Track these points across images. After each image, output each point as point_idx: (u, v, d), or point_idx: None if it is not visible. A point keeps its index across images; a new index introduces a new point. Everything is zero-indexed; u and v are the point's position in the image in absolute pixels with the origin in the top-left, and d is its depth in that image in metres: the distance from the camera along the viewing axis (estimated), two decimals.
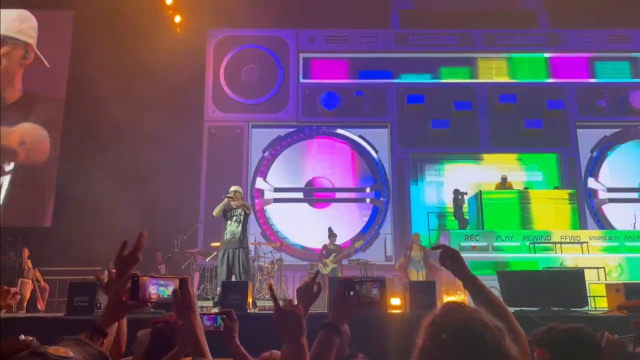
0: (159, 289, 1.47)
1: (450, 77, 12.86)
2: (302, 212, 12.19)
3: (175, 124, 10.91)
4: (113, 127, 10.68)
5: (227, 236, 7.44)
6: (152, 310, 5.07)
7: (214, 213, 7.60)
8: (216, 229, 10.88)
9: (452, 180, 12.17)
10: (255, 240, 10.68)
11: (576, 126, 12.56)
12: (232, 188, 7.72)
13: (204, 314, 1.80)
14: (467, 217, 10.63)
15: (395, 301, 6.37)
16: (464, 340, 1.00)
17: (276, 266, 9.30)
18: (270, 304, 7.87)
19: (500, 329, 1.03)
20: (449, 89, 12.69)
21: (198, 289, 8.80)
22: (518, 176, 12.06)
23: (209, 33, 12.93)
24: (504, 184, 10.53)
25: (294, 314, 1.44)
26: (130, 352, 2.35)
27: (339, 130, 12.64)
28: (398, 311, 6.00)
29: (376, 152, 12.56)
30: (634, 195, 12.15)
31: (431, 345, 1.03)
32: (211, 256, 9.58)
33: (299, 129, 12.62)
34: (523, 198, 9.71)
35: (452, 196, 11.10)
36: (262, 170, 12.37)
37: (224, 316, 1.84)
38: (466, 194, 10.92)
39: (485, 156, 12.49)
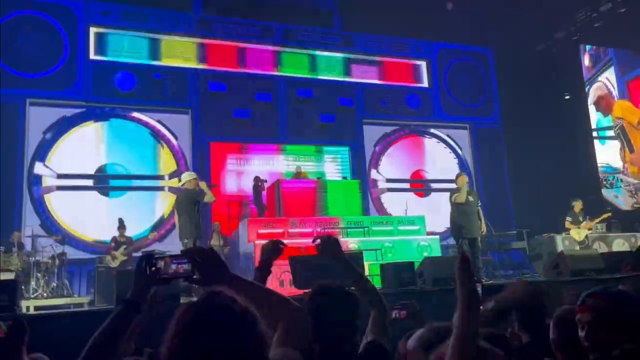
0: None
1: (252, 67, 13.06)
2: (92, 201, 11.17)
3: None
4: None
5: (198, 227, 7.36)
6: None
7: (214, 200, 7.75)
8: None
9: (253, 168, 12.43)
10: (33, 233, 9.49)
11: (362, 122, 13.87)
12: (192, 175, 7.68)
13: None
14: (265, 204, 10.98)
15: None
16: (201, 326, 0.98)
17: (57, 261, 8.39)
18: (52, 302, 7.07)
19: (253, 314, 1.03)
20: (251, 79, 12.87)
21: None
22: (313, 167, 12.86)
23: None
24: (299, 174, 11.14)
25: None
26: None
27: (135, 114, 11.88)
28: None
29: (176, 138, 12.14)
30: (407, 185, 13.97)
31: (174, 330, 0.99)
32: None
33: (89, 110, 11.51)
34: (316, 187, 10.38)
35: (252, 184, 11.38)
36: (43, 154, 10.97)
37: (11, 322, 1.57)
38: (266, 181, 11.28)
39: (284, 147, 13.02)
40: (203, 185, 7.59)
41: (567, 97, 14.58)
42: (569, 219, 10.15)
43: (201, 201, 7.35)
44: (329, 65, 13.87)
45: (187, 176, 7.73)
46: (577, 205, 10.18)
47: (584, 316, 1.72)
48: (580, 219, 10.11)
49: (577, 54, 14.58)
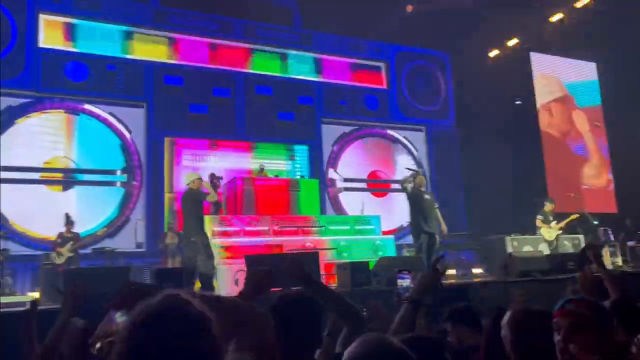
0: None
1: (210, 62, 12.84)
2: (38, 195, 10.71)
3: None
4: None
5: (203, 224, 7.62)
6: None
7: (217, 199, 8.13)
8: None
9: (210, 165, 12.23)
10: None
11: (322, 121, 13.88)
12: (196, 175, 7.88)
13: None
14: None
15: None
16: (153, 328, 0.94)
17: (1, 257, 8.02)
18: (9, 300, 6.72)
19: (208, 318, 1.00)
20: (208, 74, 12.64)
21: None
22: (274, 165, 12.72)
23: None
24: (261, 172, 11.01)
25: None
26: None
27: (87, 106, 11.46)
28: None
29: (130, 132, 11.80)
30: (363, 185, 14.10)
31: (126, 332, 0.95)
32: None
33: (38, 100, 11.02)
34: (275, 186, 10.31)
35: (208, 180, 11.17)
36: None
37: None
38: (222, 178, 11.09)
39: (255, 144, 12.87)
40: (207, 185, 7.99)
41: (518, 102, 15.07)
42: (540, 217, 10.44)
43: (204, 200, 7.70)
44: (289, 62, 13.81)
45: (191, 176, 7.94)
46: (548, 206, 10.52)
47: (562, 320, 1.82)
48: (551, 218, 10.43)
49: (527, 62, 15.08)
